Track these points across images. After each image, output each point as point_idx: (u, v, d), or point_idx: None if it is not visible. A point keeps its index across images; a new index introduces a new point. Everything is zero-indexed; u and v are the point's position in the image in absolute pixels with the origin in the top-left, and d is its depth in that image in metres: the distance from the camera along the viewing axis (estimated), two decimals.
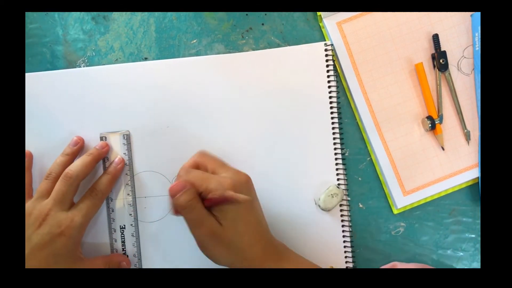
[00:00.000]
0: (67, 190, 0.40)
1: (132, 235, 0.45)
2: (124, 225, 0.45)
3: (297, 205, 0.45)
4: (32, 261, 0.38)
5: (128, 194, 0.45)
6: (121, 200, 0.45)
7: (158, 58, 0.47)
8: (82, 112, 0.46)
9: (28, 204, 0.40)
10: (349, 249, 0.44)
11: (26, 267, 0.37)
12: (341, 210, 0.45)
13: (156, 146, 0.45)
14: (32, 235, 0.38)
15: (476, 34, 0.45)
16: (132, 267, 0.45)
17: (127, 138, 0.45)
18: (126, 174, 0.45)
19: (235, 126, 0.45)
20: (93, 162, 0.43)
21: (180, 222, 0.45)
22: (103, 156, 0.44)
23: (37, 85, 0.46)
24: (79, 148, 0.44)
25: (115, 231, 0.45)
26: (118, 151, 0.45)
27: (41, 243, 0.38)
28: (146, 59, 0.47)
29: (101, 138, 0.45)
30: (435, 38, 0.45)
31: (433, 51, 0.45)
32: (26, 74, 0.46)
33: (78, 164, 0.42)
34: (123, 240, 0.45)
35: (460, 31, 0.46)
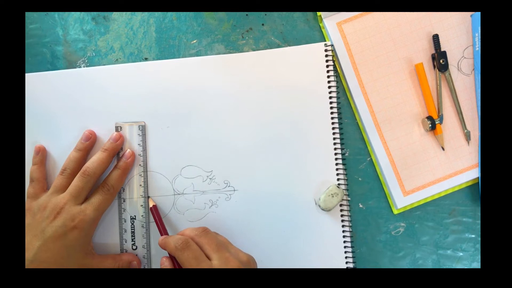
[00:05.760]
0: (83, 186, 0.41)
1: (143, 226, 0.45)
2: (135, 216, 0.45)
3: (297, 205, 0.45)
4: (45, 253, 0.38)
5: (140, 185, 0.45)
6: (133, 191, 0.45)
7: (158, 58, 0.47)
8: (81, 112, 0.46)
9: (44, 198, 0.42)
10: (349, 249, 0.44)
11: (39, 258, 0.38)
12: (341, 210, 0.45)
13: (156, 146, 0.45)
14: (47, 227, 0.39)
15: (476, 34, 0.45)
16: (141, 259, 0.45)
17: (143, 129, 0.45)
18: (140, 165, 0.45)
19: (235, 127, 0.45)
20: (109, 157, 0.44)
21: (179, 223, 0.45)
22: (118, 148, 0.45)
23: (37, 85, 0.46)
24: (91, 143, 0.45)
25: (125, 221, 0.45)
26: (133, 142, 0.45)
27: (55, 235, 0.39)
28: (146, 59, 0.47)
29: (116, 128, 0.45)
30: (435, 38, 0.45)
31: (433, 51, 0.45)
32: (26, 74, 0.46)
33: (95, 160, 0.43)
34: (133, 230, 0.45)
35: (460, 31, 0.46)
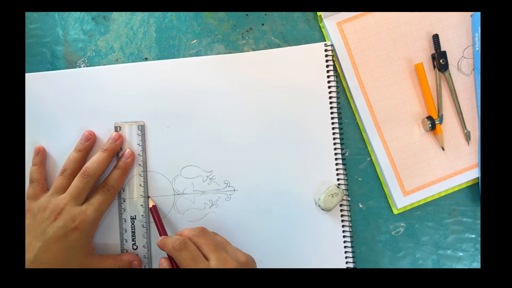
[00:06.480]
0: (84, 187, 0.41)
1: (143, 226, 0.45)
2: (135, 216, 0.45)
3: (297, 205, 0.45)
4: (45, 254, 0.38)
5: (140, 185, 0.45)
6: (133, 190, 0.45)
7: (158, 58, 0.47)
8: (81, 112, 0.46)
9: (44, 199, 0.42)
10: (349, 249, 0.44)
11: (39, 259, 0.38)
12: (341, 210, 0.45)
13: (156, 146, 0.45)
14: (47, 228, 0.39)
15: (476, 34, 0.45)
16: (142, 259, 0.45)
17: (142, 129, 0.45)
18: (139, 164, 0.45)
19: (235, 127, 0.45)
20: (109, 158, 0.44)
21: (178, 223, 0.45)
22: (118, 149, 0.45)
23: (37, 85, 0.46)
24: (91, 143, 0.45)
25: (125, 221, 0.45)
26: (132, 142, 0.45)
27: (55, 236, 0.39)
28: (146, 59, 0.47)
29: (116, 128, 0.45)
30: (435, 38, 0.45)
31: (433, 51, 0.45)
32: (26, 74, 0.46)
33: (94, 161, 0.43)
34: (133, 230, 0.45)
35: (460, 31, 0.46)
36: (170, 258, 0.39)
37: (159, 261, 0.40)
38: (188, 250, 0.37)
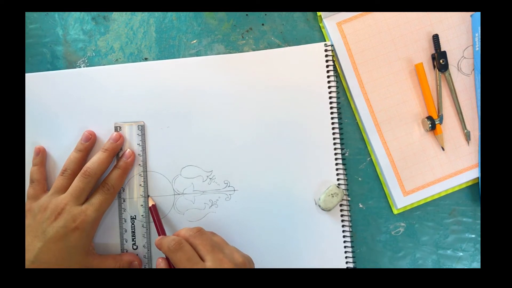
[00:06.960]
0: (84, 187, 0.41)
1: (143, 226, 0.45)
2: (135, 216, 0.45)
3: (297, 205, 0.45)
4: (46, 254, 0.38)
5: (140, 185, 0.45)
6: (133, 190, 0.45)
7: (158, 59, 0.47)
8: (81, 112, 0.46)
9: (44, 199, 0.42)
10: (349, 249, 0.45)
11: (40, 259, 0.38)
12: (341, 210, 0.45)
13: (156, 146, 0.45)
14: (48, 228, 0.39)
15: (476, 35, 0.45)
16: (142, 259, 0.45)
17: (142, 128, 0.45)
18: (139, 164, 0.45)
19: (235, 127, 0.45)
20: (109, 157, 0.44)
21: (178, 223, 0.45)
22: (119, 148, 0.45)
23: (37, 85, 0.46)
24: (91, 143, 0.45)
25: (125, 221, 0.45)
26: (132, 142, 0.45)
27: (56, 236, 0.39)
28: (146, 59, 0.47)
29: (116, 128, 0.45)
30: (435, 39, 0.45)
31: (433, 51, 0.45)
32: (26, 74, 0.46)
33: (95, 161, 0.43)
34: (133, 230, 0.45)
35: (460, 31, 0.46)
36: (168, 258, 0.39)
37: (157, 261, 0.40)
38: (183, 250, 0.37)
